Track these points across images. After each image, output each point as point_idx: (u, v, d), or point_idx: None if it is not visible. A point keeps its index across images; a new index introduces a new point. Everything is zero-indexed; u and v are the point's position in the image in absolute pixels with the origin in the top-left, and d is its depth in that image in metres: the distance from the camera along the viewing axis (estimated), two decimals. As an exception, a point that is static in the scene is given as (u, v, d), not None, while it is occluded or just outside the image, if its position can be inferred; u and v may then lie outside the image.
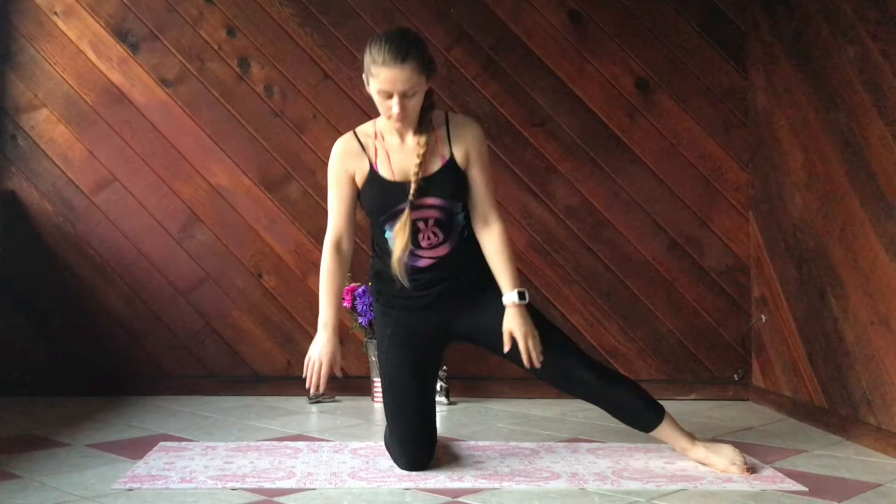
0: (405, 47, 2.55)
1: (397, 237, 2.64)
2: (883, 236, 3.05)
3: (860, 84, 3.19)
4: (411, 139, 2.68)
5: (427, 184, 2.66)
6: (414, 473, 2.65)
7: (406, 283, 2.68)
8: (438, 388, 3.91)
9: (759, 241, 4.03)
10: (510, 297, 2.66)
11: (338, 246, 2.75)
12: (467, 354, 4.07)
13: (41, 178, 4.07)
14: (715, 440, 3.21)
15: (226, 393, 4.02)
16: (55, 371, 4.00)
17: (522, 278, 4.09)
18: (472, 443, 3.12)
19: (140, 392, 3.95)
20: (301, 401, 3.91)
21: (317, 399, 3.89)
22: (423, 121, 2.68)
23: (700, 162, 4.13)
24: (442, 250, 2.71)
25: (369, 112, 4.11)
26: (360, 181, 2.72)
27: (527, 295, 2.68)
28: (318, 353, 2.64)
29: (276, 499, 2.40)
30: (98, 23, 4.10)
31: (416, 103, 2.61)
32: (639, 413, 2.76)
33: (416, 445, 2.68)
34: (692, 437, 2.79)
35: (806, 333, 3.60)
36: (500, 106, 4.13)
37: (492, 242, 2.72)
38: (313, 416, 3.64)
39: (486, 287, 2.72)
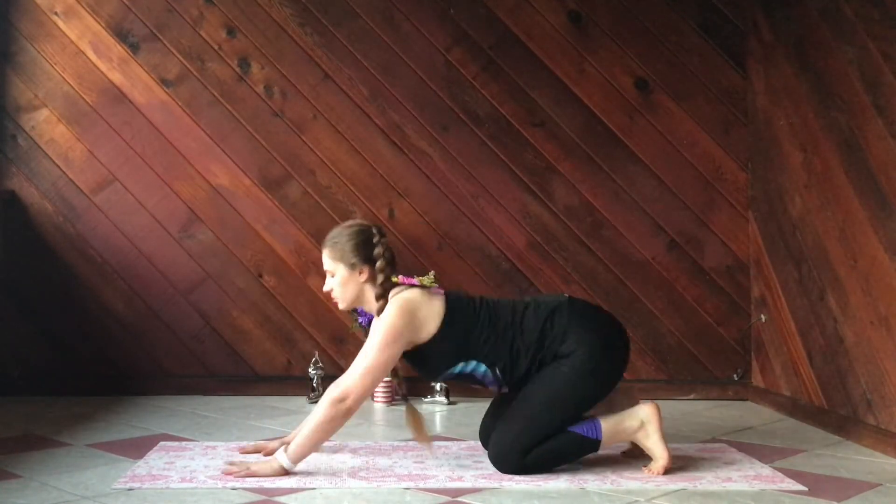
0: (332, 235, 2.78)
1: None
2: (883, 236, 3.05)
3: (860, 84, 3.19)
4: None
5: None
6: (414, 473, 2.65)
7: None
8: (438, 387, 3.91)
9: (758, 241, 4.03)
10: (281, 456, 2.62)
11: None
12: (467, 354, 4.07)
13: (41, 178, 4.07)
14: (715, 440, 3.22)
15: (226, 393, 4.02)
16: (55, 371, 4.00)
17: (523, 278, 4.11)
18: (472, 443, 3.12)
19: (140, 392, 3.95)
20: (301, 401, 3.91)
21: (317, 399, 3.88)
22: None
23: (700, 162, 4.13)
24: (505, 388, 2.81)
25: (369, 112, 4.13)
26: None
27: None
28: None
29: (276, 498, 2.40)
30: (98, 23, 4.10)
31: (337, 287, 2.76)
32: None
33: None
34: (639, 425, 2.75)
35: (806, 333, 3.60)
36: (500, 106, 4.14)
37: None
38: (313, 415, 3.63)
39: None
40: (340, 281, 2.75)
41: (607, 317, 2.87)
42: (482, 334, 2.70)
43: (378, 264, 2.73)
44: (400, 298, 2.70)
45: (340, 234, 2.77)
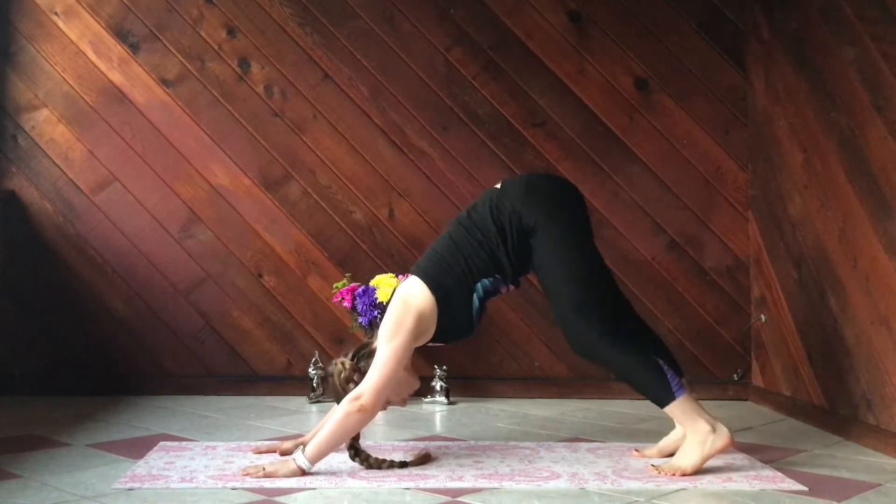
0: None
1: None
2: (883, 236, 3.05)
3: (860, 84, 3.19)
4: None
5: None
6: (414, 473, 2.66)
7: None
8: (438, 387, 3.91)
9: (758, 241, 4.03)
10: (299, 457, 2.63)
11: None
12: (467, 354, 4.08)
13: (41, 178, 4.07)
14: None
15: (226, 393, 4.03)
16: (55, 371, 4.00)
17: (522, 278, 4.10)
18: (472, 443, 3.12)
19: (140, 392, 3.95)
20: (301, 400, 3.91)
21: (317, 399, 3.89)
22: None
23: (700, 162, 4.13)
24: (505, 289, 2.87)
25: (369, 112, 4.13)
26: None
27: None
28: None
29: (276, 498, 2.40)
30: (98, 23, 4.10)
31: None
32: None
33: None
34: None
35: (806, 333, 3.60)
36: (500, 106, 4.14)
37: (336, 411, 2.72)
38: (313, 415, 3.64)
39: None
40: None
41: (534, 177, 2.98)
42: (464, 274, 2.75)
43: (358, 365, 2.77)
44: (408, 301, 2.74)
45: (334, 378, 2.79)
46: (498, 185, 2.88)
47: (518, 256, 2.79)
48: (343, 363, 2.77)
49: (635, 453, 2.94)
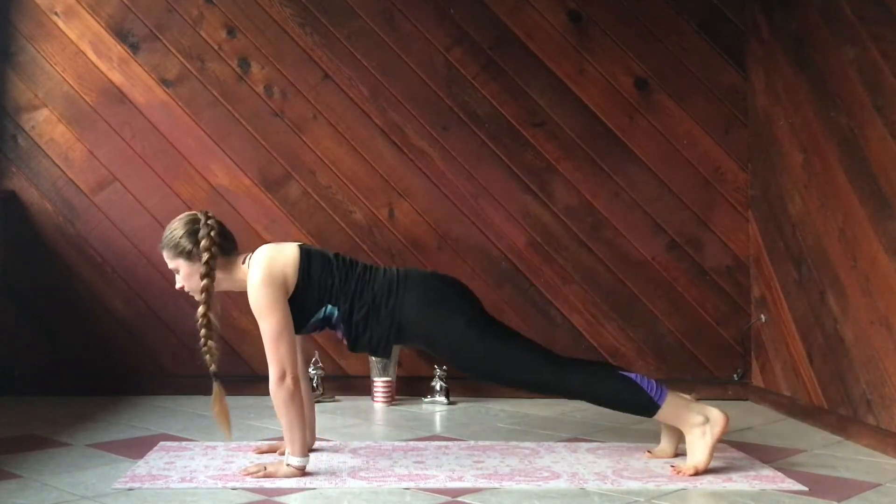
0: (165, 234, 2.80)
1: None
2: (883, 236, 3.05)
3: (860, 84, 3.19)
4: None
5: None
6: (414, 473, 2.66)
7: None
8: (438, 387, 3.91)
9: (758, 240, 4.03)
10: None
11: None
12: (467, 354, 4.07)
13: (41, 178, 4.07)
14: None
15: (226, 393, 4.00)
16: (55, 371, 4.00)
17: (523, 278, 4.11)
18: (472, 443, 3.12)
19: (140, 392, 3.95)
20: (301, 401, 3.91)
21: (317, 399, 3.89)
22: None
23: (700, 162, 4.13)
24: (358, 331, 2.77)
25: (369, 112, 4.13)
26: None
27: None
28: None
29: (276, 498, 2.40)
30: (98, 23, 4.10)
31: (185, 281, 2.80)
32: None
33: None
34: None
35: (805, 333, 3.60)
36: (500, 106, 4.14)
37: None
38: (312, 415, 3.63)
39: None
40: (185, 274, 2.77)
41: (430, 281, 2.86)
42: (336, 276, 2.71)
43: (203, 244, 2.73)
44: (252, 260, 2.73)
45: (170, 230, 2.76)
46: (402, 273, 2.79)
47: (371, 340, 2.73)
48: (210, 233, 2.76)
49: (648, 454, 2.93)
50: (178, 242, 2.75)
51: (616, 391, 2.72)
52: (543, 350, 2.78)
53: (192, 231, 2.75)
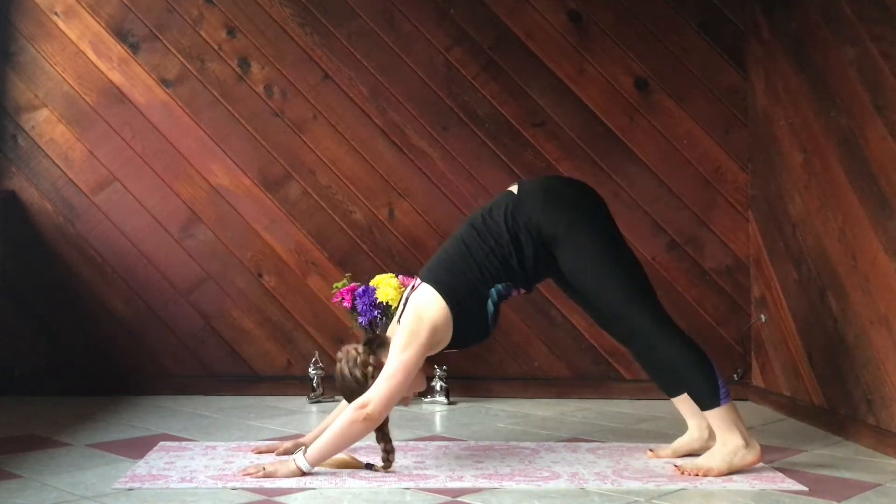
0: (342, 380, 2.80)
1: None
2: (882, 236, 3.05)
3: (860, 84, 3.19)
4: None
5: None
6: (414, 473, 2.65)
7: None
8: (438, 387, 3.91)
9: (758, 240, 4.03)
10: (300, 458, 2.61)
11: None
12: (467, 354, 4.08)
13: (41, 178, 4.07)
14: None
15: (226, 393, 4.03)
16: (55, 371, 4.00)
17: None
18: (472, 443, 3.12)
19: (140, 392, 3.95)
20: (301, 400, 3.91)
21: (317, 399, 3.89)
22: None
23: (700, 162, 4.13)
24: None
25: (369, 112, 4.13)
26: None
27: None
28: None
29: (276, 498, 2.40)
30: (98, 23, 4.10)
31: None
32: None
33: None
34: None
35: (805, 333, 3.60)
36: (500, 106, 4.14)
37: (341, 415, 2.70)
38: (313, 415, 3.64)
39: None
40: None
41: (552, 182, 2.94)
42: (477, 281, 2.72)
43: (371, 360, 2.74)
44: (418, 328, 2.68)
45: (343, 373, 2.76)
46: (514, 189, 2.82)
47: (533, 266, 2.76)
48: (356, 349, 2.74)
49: (649, 453, 2.93)
50: (358, 376, 2.73)
51: (700, 369, 2.71)
52: (657, 298, 2.80)
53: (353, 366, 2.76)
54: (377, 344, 2.76)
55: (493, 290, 2.74)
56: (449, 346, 2.77)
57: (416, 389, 2.85)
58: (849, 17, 3.26)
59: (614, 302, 2.76)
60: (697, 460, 2.72)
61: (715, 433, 2.74)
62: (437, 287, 2.71)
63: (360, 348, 2.74)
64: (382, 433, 2.68)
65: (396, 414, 3.65)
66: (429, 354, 2.73)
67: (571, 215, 2.75)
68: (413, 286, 2.79)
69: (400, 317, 2.78)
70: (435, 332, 2.68)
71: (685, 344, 2.74)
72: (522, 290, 2.83)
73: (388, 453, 2.67)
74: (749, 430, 2.74)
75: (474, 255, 2.73)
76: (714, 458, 2.69)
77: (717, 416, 2.71)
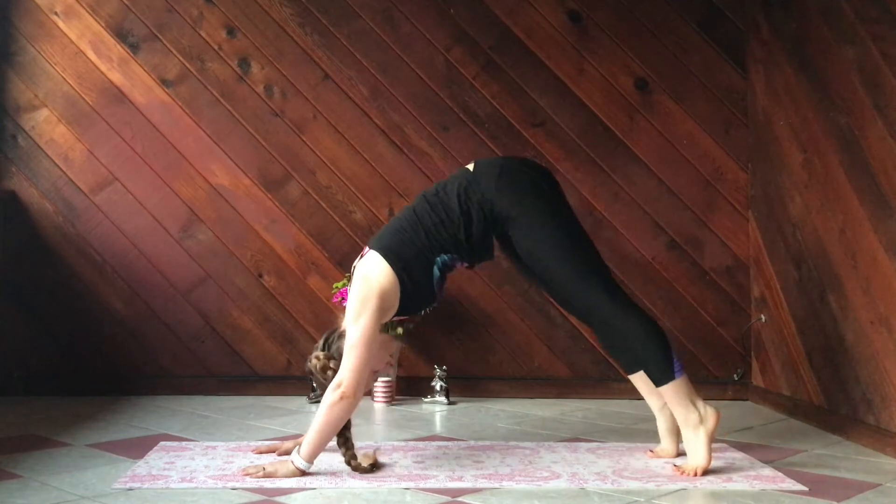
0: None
1: None
2: (883, 236, 3.05)
3: (860, 84, 3.19)
4: None
5: None
6: (414, 473, 2.66)
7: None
8: (438, 387, 3.91)
9: (758, 241, 4.03)
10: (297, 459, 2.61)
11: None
12: (467, 354, 4.08)
13: (41, 178, 4.07)
14: (715, 440, 3.22)
15: (226, 393, 4.03)
16: (55, 371, 4.00)
17: (523, 277, 4.10)
18: (472, 443, 3.12)
19: (140, 392, 3.95)
20: (301, 400, 3.91)
21: (317, 399, 3.89)
22: None
23: (700, 162, 4.13)
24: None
25: (369, 112, 4.13)
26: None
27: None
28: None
29: (276, 498, 2.40)
30: (98, 23, 4.10)
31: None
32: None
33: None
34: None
35: (805, 333, 3.60)
36: (500, 106, 4.14)
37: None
38: (313, 415, 3.62)
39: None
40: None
41: (507, 162, 2.92)
42: (423, 248, 2.74)
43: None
44: (367, 294, 2.69)
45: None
46: (471, 166, 2.84)
47: (480, 243, 2.79)
48: (317, 356, 2.77)
49: (650, 453, 2.93)
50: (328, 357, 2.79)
51: (654, 344, 2.74)
52: (611, 275, 2.84)
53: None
54: (334, 338, 2.78)
55: (438, 258, 2.76)
56: (399, 312, 2.78)
57: (389, 352, 2.88)
58: (849, 17, 3.26)
59: (568, 280, 2.79)
60: (686, 464, 2.72)
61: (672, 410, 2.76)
62: (383, 253, 2.73)
63: (319, 354, 2.77)
64: (343, 438, 2.69)
65: (397, 414, 3.66)
66: (383, 321, 2.73)
67: (524, 195, 2.78)
68: (361, 255, 2.80)
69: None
70: (384, 297, 2.69)
71: (639, 318, 2.77)
72: (465, 265, 2.85)
73: (351, 459, 2.66)
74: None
75: (423, 224, 2.76)
76: (693, 453, 2.70)
77: (671, 391, 2.73)
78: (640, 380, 2.93)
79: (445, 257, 2.77)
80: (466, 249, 2.78)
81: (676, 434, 2.88)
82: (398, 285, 2.71)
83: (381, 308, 2.69)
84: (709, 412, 2.74)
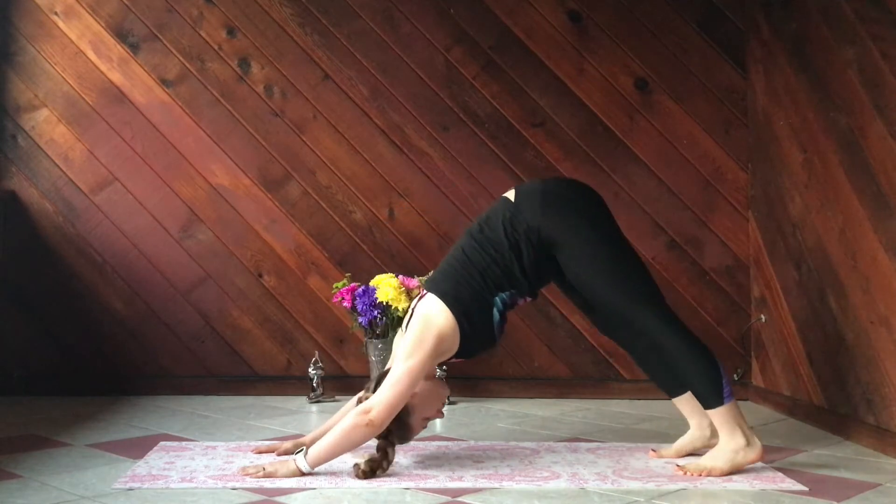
0: None
1: None
2: (883, 236, 3.05)
3: (860, 84, 3.19)
4: None
5: None
6: (414, 473, 2.65)
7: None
8: (438, 388, 3.91)
9: (758, 241, 4.03)
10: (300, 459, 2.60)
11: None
12: (467, 354, 4.08)
13: (41, 178, 4.07)
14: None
15: (226, 393, 4.03)
16: (55, 371, 4.00)
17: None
18: (472, 443, 3.12)
19: (140, 392, 3.95)
20: (301, 400, 3.91)
21: (317, 399, 3.89)
22: None
23: (700, 162, 4.13)
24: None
25: (369, 112, 4.13)
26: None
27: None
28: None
29: (276, 498, 2.40)
30: (98, 23, 4.10)
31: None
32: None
33: None
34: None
35: (805, 333, 3.60)
36: (500, 106, 4.14)
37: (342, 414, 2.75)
38: (313, 415, 3.64)
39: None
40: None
41: (549, 185, 2.88)
42: (481, 289, 2.71)
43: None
44: (425, 335, 2.67)
45: None
46: (511, 195, 2.80)
47: (535, 272, 2.75)
48: (362, 396, 2.72)
49: (652, 453, 2.93)
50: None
51: (707, 368, 2.70)
52: (663, 296, 2.80)
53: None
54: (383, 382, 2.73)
55: (496, 298, 2.73)
56: (456, 356, 2.77)
57: (442, 398, 2.82)
58: (849, 17, 3.26)
59: (619, 302, 2.75)
60: (700, 460, 2.72)
61: (717, 431, 2.74)
62: (443, 298, 2.70)
63: (365, 395, 2.72)
64: (385, 452, 2.65)
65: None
66: (435, 363, 2.73)
67: (570, 218, 2.75)
68: (420, 296, 2.79)
69: (406, 326, 2.77)
70: (441, 341, 2.68)
71: (692, 342, 2.73)
72: (528, 299, 2.82)
73: (377, 468, 2.62)
74: (749, 430, 2.74)
75: (476, 265, 2.73)
76: (717, 458, 2.69)
77: (720, 415, 2.71)
78: (683, 402, 2.91)
79: (504, 295, 2.73)
80: (524, 282, 2.75)
81: (695, 440, 2.91)
82: (458, 330, 2.69)
83: (437, 350, 2.68)
84: (754, 446, 2.70)
